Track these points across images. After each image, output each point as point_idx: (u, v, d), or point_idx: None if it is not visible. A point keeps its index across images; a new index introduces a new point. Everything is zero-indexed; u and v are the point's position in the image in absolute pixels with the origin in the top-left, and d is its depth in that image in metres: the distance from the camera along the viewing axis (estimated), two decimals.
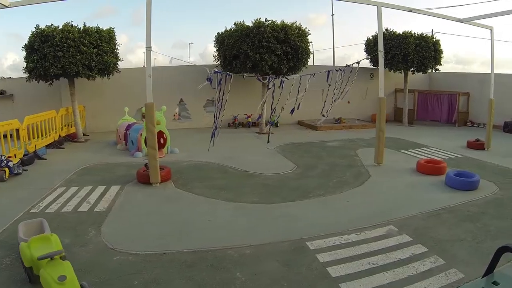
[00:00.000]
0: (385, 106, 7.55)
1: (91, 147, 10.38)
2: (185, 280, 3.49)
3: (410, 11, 7.78)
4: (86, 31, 10.21)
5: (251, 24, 11.21)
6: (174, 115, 14.07)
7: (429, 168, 7.19)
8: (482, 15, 8.34)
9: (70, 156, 9.06)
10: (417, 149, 9.81)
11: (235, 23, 11.62)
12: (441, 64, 13.79)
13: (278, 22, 11.28)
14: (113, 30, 11.07)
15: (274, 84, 6.95)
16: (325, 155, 9.09)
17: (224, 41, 11.58)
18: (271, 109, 7.18)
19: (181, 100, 13.84)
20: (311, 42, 11.83)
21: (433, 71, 14.12)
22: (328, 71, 7.29)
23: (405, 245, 4.26)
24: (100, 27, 10.74)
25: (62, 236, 4.01)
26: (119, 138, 10.43)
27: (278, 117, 13.56)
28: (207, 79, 6.30)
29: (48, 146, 9.76)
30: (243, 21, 11.49)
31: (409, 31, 13.25)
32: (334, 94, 7.38)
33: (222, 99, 6.64)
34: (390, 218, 5.07)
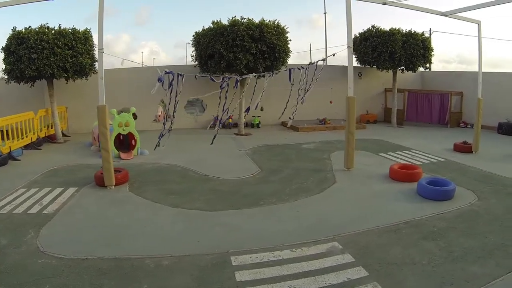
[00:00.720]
0: (355, 106, 6.79)
1: (68, 148, 10.14)
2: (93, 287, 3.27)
3: (384, 3, 6.99)
4: (61, 33, 10.02)
5: (227, 23, 10.55)
6: (159, 117, 13.49)
7: (401, 174, 6.39)
8: (465, 7, 7.50)
9: (44, 158, 8.77)
10: (397, 152, 8.98)
11: (212, 22, 10.97)
12: (431, 62, 12.88)
13: (256, 20, 10.59)
14: (89, 31, 10.81)
15: (228, 84, 6.37)
16: (295, 158, 8.36)
17: (200, 41, 10.95)
18: (223, 109, 6.55)
19: (162, 101, 13.24)
20: (290, 40, 11.09)
21: (424, 69, 13.21)
22: (290, 70, 6.59)
23: (343, 267, 3.55)
24: (76, 28, 10.52)
25: (1, 237, 4.21)
26: (94, 140, 10.06)
27: (259, 117, 13.07)
28: (158, 80, 5.96)
29: (26, 147, 9.59)
30: (220, 20, 10.84)
31: (396, 28, 12.38)
32: (298, 94, 6.65)
33: (175, 100, 6.26)
34: (338, 232, 4.36)
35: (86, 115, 12.41)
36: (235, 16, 10.54)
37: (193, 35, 11.55)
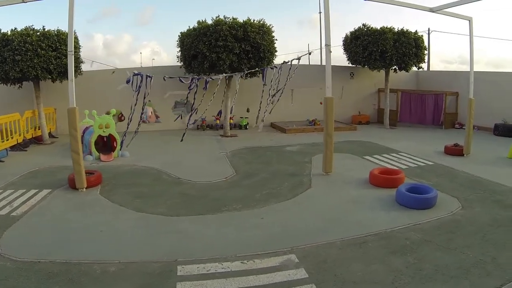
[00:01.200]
0: (333, 107, 6.30)
1: (53, 150, 9.97)
2: None
3: None
4: (45, 34, 9.91)
5: (211, 22, 10.15)
6: (149, 117, 13.14)
7: (381, 179, 5.90)
8: (454, 2, 6.97)
9: (28, 159, 8.59)
10: (384, 155, 8.46)
11: (198, 22, 10.58)
12: (424, 62, 12.30)
13: (241, 19, 10.17)
14: (74, 32, 10.60)
15: (197, 85, 6.07)
16: (275, 161, 7.90)
17: (184, 41, 10.58)
18: (191, 109, 6.21)
19: (149, 101, 12.90)
20: (277, 39, 10.62)
21: (417, 69, 12.65)
22: (263, 70, 6.17)
23: (293, 284, 3.15)
24: (61, 30, 10.38)
25: None
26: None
27: (247, 118, 12.65)
28: (127, 81, 5.98)
29: (12, 148, 9.46)
30: (205, 19, 10.43)
31: (388, 26, 11.83)
32: (269, 95, 6.22)
33: (143, 102, 6.36)
34: (298, 244, 3.94)
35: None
36: (218, 16, 10.14)
37: (178, 35, 11.17)
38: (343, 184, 6.15)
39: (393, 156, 8.37)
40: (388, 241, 4.01)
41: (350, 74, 13.99)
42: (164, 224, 4.64)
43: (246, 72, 6.29)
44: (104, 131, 8.85)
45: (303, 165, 7.49)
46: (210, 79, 6.26)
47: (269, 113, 6.58)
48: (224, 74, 6.52)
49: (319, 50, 20.50)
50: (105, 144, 9.22)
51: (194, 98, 6.14)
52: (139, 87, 6.05)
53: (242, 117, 12.57)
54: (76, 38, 10.91)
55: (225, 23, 9.87)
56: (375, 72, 13.12)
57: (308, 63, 14.22)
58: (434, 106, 12.97)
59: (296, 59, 6.00)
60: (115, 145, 8.93)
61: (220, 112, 6.58)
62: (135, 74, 6.03)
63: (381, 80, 13.55)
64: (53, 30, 10.21)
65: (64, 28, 10.29)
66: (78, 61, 10.75)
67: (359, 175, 6.57)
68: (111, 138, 9.10)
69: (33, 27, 10.08)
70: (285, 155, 8.52)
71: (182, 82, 6.22)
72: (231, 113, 6.58)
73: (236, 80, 6.14)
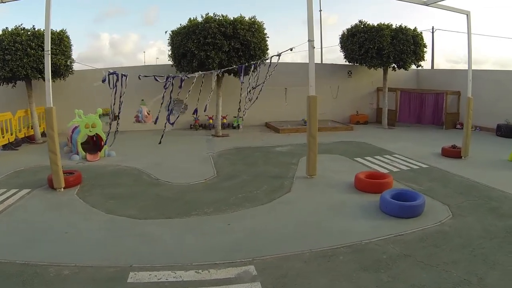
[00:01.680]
0: (316, 106, 5.84)
1: (44, 149, 9.89)
2: None
3: None
4: (35, 34, 9.73)
5: (200, 20, 9.77)
6: (146, 117, 12.87)
7: (366, 184, 5.41)
8: None
9: (17, 158, 8.47)
10: (377, 157, 7.93)
11: (189, 20, 10.21)
12: (423, 60, 11.65)
13: (231, 17, 9.76)
14: (64, 32, 10.51)
15: (173, 84, 5.78)
16: (261, 162, 7.48)
17: (174, 39, 10.23)
18: (168, 109, 5.90)
19: (142, 100, 12.58)
20: (268, 37, 10.17)
21: (416, 67, 12.01)
22: (240, 67, 5.78)
23: None
24: (52, 29, 9.95)
25: None
26: (68, 141, 9.74)
27: (241, 118, 12.21)
28: (102, 80, 5.93)
29: (4, 147, 9.41)
30: (196, 17, 10.06)
31: (385, 23, 11.23)
32: (248, 93, 5.81)
33: (120, 101, 6.02)
34: (261, 254, 3.57)
35: (68, 115, 12.05)
36: (208, 13, 9.74)
37: (169, 34, 10.82)
38: (326, 188, 5.68)
39: (386, 158, 7.84)
40: (362, 255, 3.55)
41: (348, 73, 13.41)
42: (129, 228, 4.44)
43: (222, 70, 5.91)
44: (90, 131, 8.72)
45: (289, 167, 7.04)
46: (186, 77, 5.91)
47: (246, 110, 6.17)
48: (200, 72, 6.12)
49: (320, 49, 19.92)
50: (95, 143, 9.10)
51: (170, 97, 5.90)
52: (116, 86, 5.87)
53: (235, 117, 12.17)
54: (67, 37, 10.73)
55: (214, 20, 9.47)
56: (374, 71, 12.51)
57: (300, 61, 13.70)
58: (435, 106, 12.31)
59: (276, 55, 5.56)
60: (102, 145, 8.71)
61: (196, 111, 6.22)
62: (110, 73, 5.87)
63: (380, 79, 12.94)
64: (42, 30, 9.86)
65: (55, 27, 10.19)
66: (68, 59, 10.36)
67: (345, 179, 6.08)
68: (98, 138, 8.95)
69: (24, 26, 9.93)
70: (273, 156, 8.09)
71: (157, 81, 5.88)
72: (205, 111, 6.19)
73: (213, 78, 5.76)
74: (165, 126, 6.46)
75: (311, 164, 6.03)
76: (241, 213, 4.74)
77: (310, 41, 5.73)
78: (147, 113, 13.36)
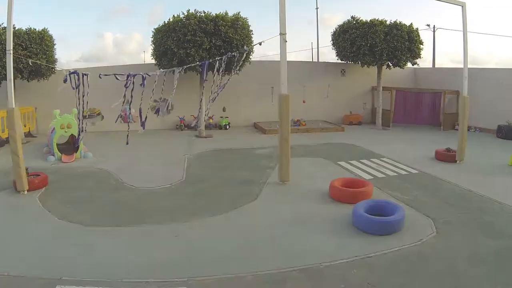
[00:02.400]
0: (288, 105, 5.14)
1: (25, 150, 9.54)
2: None
3: None
4: (15, 33, 9.12)
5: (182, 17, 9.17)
6: (135, 117, 12.43)
7: (341, 193, 4.68)
8: None
9: None
10: (363, 160, 7.17)
11: (173, 16, 9.60)
12: (419, 57, 10.79)
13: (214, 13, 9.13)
14: (46, 31, 9.98)
15: (133, 82, 5.35)
16: (236, 166, 6.82)
17: (156, 37, 9.68)
18: (129, 108, 5.38)
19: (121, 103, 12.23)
20: (253, 33, 9.47)
21: (412, 65, 11.14)
22: (205, 63, 5.19)
23: None
24: (32, 28, 9.70)
25: None
26: (48, 141, 9.20)
27: (227, 117, 11.60)
28: (64, 80, 5.70)
29: None
30: (179, 14, 9.44)
31: (379, 19, 10.40)
32: (211, 92, 5.18)
33: (83, 101, 5.76)
34: (198, 274, 3.02)
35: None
36: (189, 10, 9.12)
37: (153, 32, 10.23)
38: (298, 197, 4.97)
39: (373, 162, 7.07)
40: (315, 283, 2.86)
41: (341, 71, 12.61)
42: (74, 236, 4.08)
43: (185, 67, 5.35)
44: (66, 131, 8.26)
45: (264, 171, 6.34)
46: (147, 76, 5.34)
47: (207, 111, 5.62)
48: (162, 70, 5.58)
49: (316, 47, 19.10)
50: (75, 143, 8.66)
51: (132, 96, 5.51)
52: (78, 86, 5.61)
53: (222, 117, 11.52)
54: (49, 36, 10.25)
55: (194, 17, 8.84)
56: (369, 69, 11.70)
57: (293, 59, 12.95)
58: (432, 106, 11.43)
59: (244, 50, 4.92)
60: (76, 146, 8.23)
61: (158, 110, 5.70)
62: (71, 73, 5.59)
63: (375, 77, 12.11)
64: (25, 29, 9.57)
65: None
66: (50, 59, 10.04)
67: (321, 186, 5.34)
68: (73, 138, 8.50)
69: (3, 25, 9.41)
70: (251, 159, 7.40)
71: (118, 79, 5.38)
72: (167, 109, 5.64)
73: (175, 76, 5.18)
74: (128, 126, 6.03)
75: (283, 168, 5.34)
76: (194, 223, 4.15)
77: (282, 34, 5.03)
78: (133, 113, 12.88)
